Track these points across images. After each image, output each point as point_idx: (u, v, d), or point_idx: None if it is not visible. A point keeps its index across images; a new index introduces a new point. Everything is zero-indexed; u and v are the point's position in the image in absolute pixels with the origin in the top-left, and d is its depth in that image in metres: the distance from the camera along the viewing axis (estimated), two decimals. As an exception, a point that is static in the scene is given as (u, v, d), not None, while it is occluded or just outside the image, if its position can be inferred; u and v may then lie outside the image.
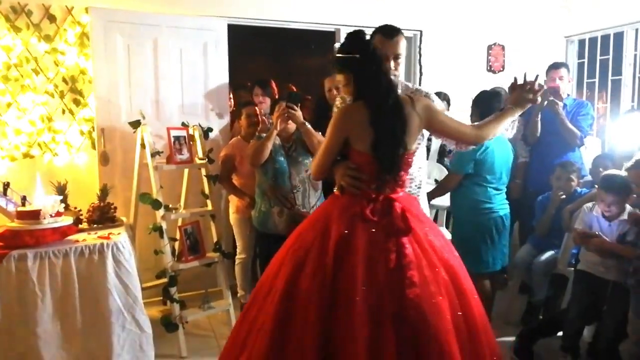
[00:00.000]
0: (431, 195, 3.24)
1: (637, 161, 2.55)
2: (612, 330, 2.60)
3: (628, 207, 2.70)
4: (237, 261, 3.47)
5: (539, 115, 3.53)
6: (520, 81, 2.11)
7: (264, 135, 2.98)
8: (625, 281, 2.49)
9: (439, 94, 4.01)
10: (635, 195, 2.68)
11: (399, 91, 2.19)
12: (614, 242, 2.60)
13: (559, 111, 3.43)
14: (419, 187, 2.48)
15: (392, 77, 2.14)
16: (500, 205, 3.04)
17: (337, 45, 1.94)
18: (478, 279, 3.08)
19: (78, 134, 3.66)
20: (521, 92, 2.08)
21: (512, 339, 2.99)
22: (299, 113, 2.81)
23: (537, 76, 2.12)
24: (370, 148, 1.85)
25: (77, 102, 3.63)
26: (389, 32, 2.24)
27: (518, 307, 3.38)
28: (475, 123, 2.17)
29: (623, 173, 2.75)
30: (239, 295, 3.49)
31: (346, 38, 1.94)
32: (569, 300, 2.84)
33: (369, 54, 1.89)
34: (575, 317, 2.71)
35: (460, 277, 1.87)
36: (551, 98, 3.42)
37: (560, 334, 2.83)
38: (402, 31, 2.32)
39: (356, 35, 1.92)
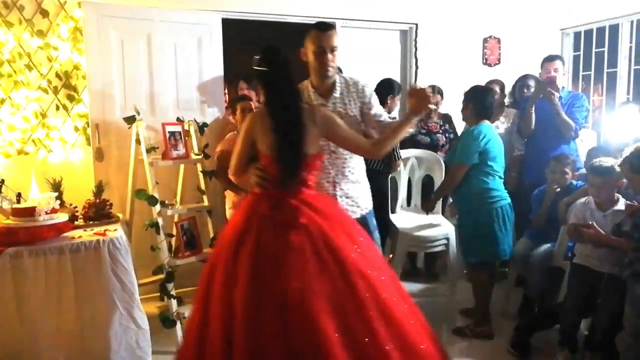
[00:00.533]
0: (440, 191, 3.21)
1: (625, 157, 2.55)
2: (607, 323, 2.61)
3: (622, 199, 2.71)
4: None
5: (533, 108, 3.53)
6: (417, 87, 2.25)
7: None
8: (620, 273, 2.50)
9: (432, 87, 4.02)
10: (624, 180, 2.70)
11: (338, 84, 2.42)
12: (608, 233, 2.61)
13: (555, 102, 3.43)
14: (358, 182, 2.53)
15: (330, 69, 2.35)
16: (505, 193, 3.11)
17: (255, 57, 2.10)
18: (480, 272, 3.12)
19: (72, 130, 3.63)
20: (417, 99, 2.19)
21: (509, 332, 3.01)
22: None
23: (434, 87, 2.29)
24: (272, 151, 2.06)
25: (71, 98, 3.60)
26: (322, 27, 2.36)
27: (515, 301, 3.39)
28: (373, 139, 2.34)
29: (612, 160, 2.77)
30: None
31: (261, 52, 2.11)
32: (565, 293, 2.85)
33: (277, 68, 2.08)
34: (572, 311, 2.73)
35: (367, 276, 1.92)
36: (548, 89, 3.42)
37: (557, 327, 2.84)
38: (335, 27, 2.53)
39: (269, 50, 2.11)
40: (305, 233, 1.94)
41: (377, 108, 2.49)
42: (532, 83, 3.97)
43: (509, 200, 3.11)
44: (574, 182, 3.24)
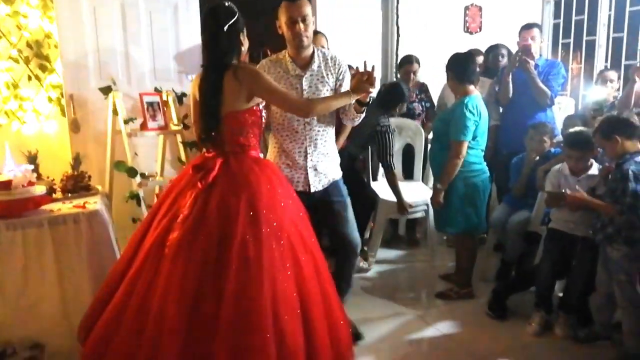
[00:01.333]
0: (447, 174, 3.05)
1: (596, 127, 2.60)
2: (580, 284, 2.71)
3: (595, 164, 2.77)
4: None
5: (510, 76, 3.54)
6: (361, 69, 2.26)
7: None
8: (594, 237, 2.58)
9: (409, 57, 4.00)
10: (599, 149, 2.76)
11: (316, 56, 2.43)
12: (609, 204, 2.65)
13: (530, 69, 3.44)
14: (327, 155, 2.54)
15: (305, 39, 2.35)
16: (486, 167, 3.15)
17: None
18: (466, 240, 3.18)
19: (46, 101, 3.54)
20: (360, 79, 2.24)
21: (486, 295, 3.10)
22: None
23: (373, 67, 2.28)
24: (196, 107, 2.15)
25: (43, 68, 3.49)
26: None
27: (492, 265, 3.48)
28: (309, 98, 2.35)
29: (585, 129, 2.82)
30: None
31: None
32: (540, 257, 2.93)
33: (209, 27, 2.09)
34: (547, 273, 2.81)
35: (259, 240, 1.92)
36: (523, 57, 3.43)
37: (532, 289, 2.94)
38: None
39: (210, 10, 2.11)
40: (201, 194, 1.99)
41: (346, 87, 2.47)
42: (504, 52, 3.99)
43: (488, 173, 3.15)
44: (552, 150, 3.29)
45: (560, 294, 2.90)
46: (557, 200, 2.71)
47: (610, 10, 4.53)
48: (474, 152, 3.05)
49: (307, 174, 2.47)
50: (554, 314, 2.81)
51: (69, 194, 2.92)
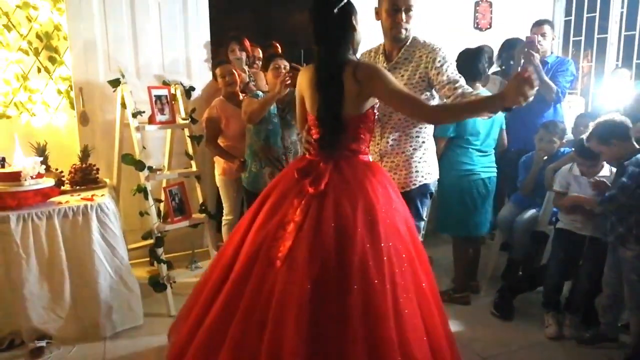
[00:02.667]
0: None
1: (591, 132, 2.56)
2: (587, 285, 2.69)
3: (606, 165, 2.74)
4: (224, 222, 3.47)
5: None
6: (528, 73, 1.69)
7: (260, 92, 2.98)
8: (603, 237, 2.56)
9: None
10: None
11: (407, 46, 2.19)
12: (592, 197, 2.65)
13: (535, 63, 3.41)
14: (414, 149, 2.34)
15: (403, 30, 2.16)
16: (484, 168, 3.03)
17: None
18: (462, 243, 3.16)
19: (55, 93, 3.55)
20: (519, 81, 1.65)
21: (493, 294, 3.09)
22: None
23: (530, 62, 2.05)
24: (313, 111, 1.92)
25: (52, 60, 3.50)
26: None
27: (499, 264, 3.47)
28: (442, 103, 2.05)
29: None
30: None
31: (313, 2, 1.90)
32: (548, 257, 2.92)
33: (322, 19, 1.85)
34: (555, 274, 2.80)
35: (379, 256, 1.71)
36: (528, 50, 3.39)
37: (540, 289, 2.92)
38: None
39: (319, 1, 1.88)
40: (317, 203, 1.78)
41: (449, 74, 2.17)
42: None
43: (486, 175, 3.03)
44: (561, 149, 3.26)
45: (567, 295, 2.89)
46: (563, 201, 2.70)
47: (622, 7, 4.48)
48: (462, 152, 2.98)
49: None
50: (560, 315, 2.80)
51: (77, 187, 2.94)
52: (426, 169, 2.38)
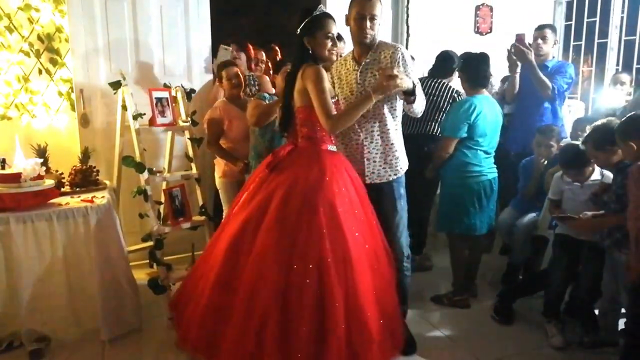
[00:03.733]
0: (434, 164, 3.15)
1: (587, 136, 2.56)
2: (586, 290, 2.69)
3: (598, 169, 2.72)
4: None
5: (518, 73, 3.52)
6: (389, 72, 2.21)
7: (267, 95, 2.99)
8: (601, 243, 2.56)
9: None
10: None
11: (372, 50, 2.44)
12: (585, 202, 2.65)
13: (529, 58, 3.42)
14: (392, 142, 2.49)
15: (368, 35, 2.38)
16: (489, 169, 3.07)
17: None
18: (459, 243, 3.15)
19: (56, 95, 3.55)
20: (382, 77, 2.21)
21: (492, 298, 3.08)
22: None
23: (397, 62, 2.33)
24: None
25: (54, 62, 3.50)
26: None
27: (499, 268, 3.47)
28: (335, 113, 2.26)
29: (575, 144, 2.77)
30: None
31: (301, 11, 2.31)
32: (549, 264, 2.90)
33: (300, 28, 2.28)
34: (557, 282, 2.75)
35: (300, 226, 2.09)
36: (518, 45, 3.40)
37: (539, 294, 2.92)
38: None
39: (303, 11, 2.29)
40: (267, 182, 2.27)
41: (411, 73, 2.38)
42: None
43: (492, 175, 3.06)
44: (560, 152, 3.26)
45: (567, 299, 2.88)
46: (564, 220, 2.69)
47: (622, 12, 4.49)
48: (471, 153, 3.00)
49: (363, 166, 2.46)
50: (560, 320, 2.79)
51: (77, 188, 2.94)
52: (402, 161, 2.54)
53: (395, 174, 2.50)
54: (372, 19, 2.36)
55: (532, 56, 3.44)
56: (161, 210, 3.31)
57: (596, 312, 2.72)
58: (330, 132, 2.29)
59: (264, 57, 3.95)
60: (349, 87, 2.48)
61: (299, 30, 2.30)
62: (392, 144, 2.48)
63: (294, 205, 2.11)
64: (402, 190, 2.54)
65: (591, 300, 2.71)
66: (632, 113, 2.43)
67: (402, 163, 2.53)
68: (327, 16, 2.31)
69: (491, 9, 4.84)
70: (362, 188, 2.33)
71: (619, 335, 2.55)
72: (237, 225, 2.22)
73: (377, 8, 2.36)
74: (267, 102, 2.99)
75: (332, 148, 2.35)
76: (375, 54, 2.43)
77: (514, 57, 3.49)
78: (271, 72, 3.78)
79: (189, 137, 3.32)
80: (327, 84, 2.24)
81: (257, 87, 3.59)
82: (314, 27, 2.26)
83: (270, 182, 2.25)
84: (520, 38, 3.45)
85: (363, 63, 2.43)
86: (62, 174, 2.99)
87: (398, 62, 2.36)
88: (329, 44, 2.29)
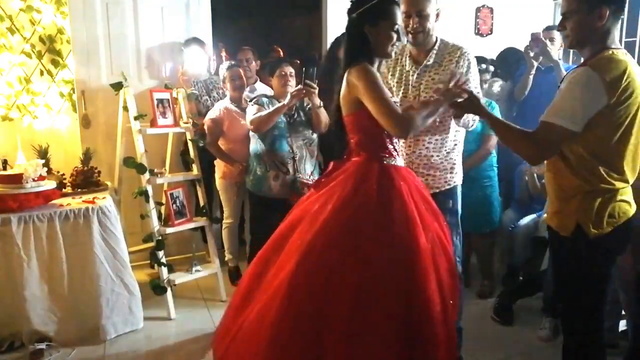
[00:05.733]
0: (474, 162, 3.13)
1: None
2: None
3: None
4: (224, 225, 3.48)
5: (532, 73, 3.49)
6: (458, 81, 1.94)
7: (264, 99, 2.98)
8: None
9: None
10: None
11: (434, 50, 2.23)
12: None
13: (554, 58, 3.41)
14: (448, 151, 2.31)
15: (419, 35, 2.17)
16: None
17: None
18: (484, 241, 3.31)
19: (58, 96, 3.56)
20: (452, 88, 1.93)
21: (492, 299, 3.09)
22: (316, 92, 2.83)
23: (467, 79, 2.08)
24: None
25: (55, 63, 3.52)
26: None
27: (499, 269, 3.47)
28: (407, 112, 1.96)
29: None
30: (226, 259, 3.51)
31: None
32: (548, 263, 2.91)
33: (360, 8, 1.89)
34: (553, 280, 2.78)
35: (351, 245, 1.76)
36: (538, 41, 3.40)
37: (539, 294, 2.92)
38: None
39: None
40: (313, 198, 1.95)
41: (472, 82, 2.18)
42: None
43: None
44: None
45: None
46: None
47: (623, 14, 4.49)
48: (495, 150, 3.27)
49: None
50: (558, 320, 2.79)
51: (79, 189, 2.95)
52: (458, 170, 2.38)
53: (448, 185, 2.33)
54: (420, 15, 2.13)
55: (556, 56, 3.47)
56: (162, 211, 3.32)
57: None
58: (401, 136, 1.91)
59: (249, 55, 3.89)
60: (403, 89, 2.27)
61: (355, 15, 1.90)
62: (451, 158, 2.31)
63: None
64: (450, 204, 2.33)
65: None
66: None
67: (457, 178, 2.37)
68: (395, 3, 1.93)
69: (491, 11, 4.85)
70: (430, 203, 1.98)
71: (619, 337, 2.56)
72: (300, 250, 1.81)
73: (422, 4, 2.11)
74: (266, 106, 2.98)
75: (392, 161, 1.95)
76: (438, 56, 2.23)
77: (533, 56, 3.45)
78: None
79: (190, 138, 3.33)
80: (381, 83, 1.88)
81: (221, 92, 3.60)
82: (379, 15, 1.87)
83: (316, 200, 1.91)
84: (536, 37, 3.43)
85: (423, 65, 2.23)
86: (63, 175, 3.00)
87: (466, 71, 2.16)
88: (394, 37, 1.91)
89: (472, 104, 1.93)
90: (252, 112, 2.97)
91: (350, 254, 1.74)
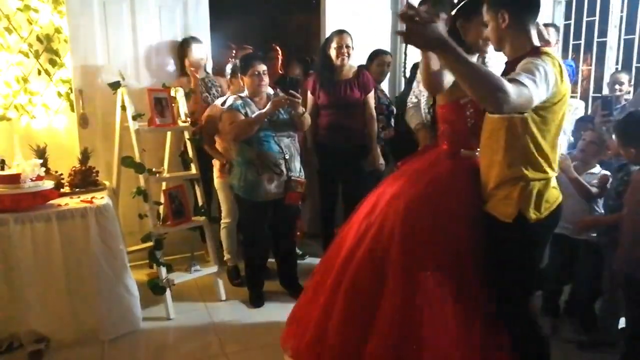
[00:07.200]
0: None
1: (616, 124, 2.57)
2: (585, 289, 2.69)
3: (598, 166, 2.73)
4: (222, 225, 3.47)
5: None
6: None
7: (239, 103, 2.94)
8: (597, 240, 2.56)
9: (382, 50, 3.88)
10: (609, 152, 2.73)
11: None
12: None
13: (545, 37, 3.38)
14: None
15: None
16: None
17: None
18: None
19: (56, 96, 3.55)
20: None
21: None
22: (299, 101, 2.83)
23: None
24: None
25: (53, 63, 3.51)
26: None
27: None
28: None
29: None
30: (225, 258, 3.51)
31: None
32: (546, 262, 2.91)
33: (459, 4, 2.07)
34: (553, 279, 2.79)
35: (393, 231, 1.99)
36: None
37: (538, 293, 2.92)
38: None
39: None
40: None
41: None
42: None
43: None
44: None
45: (566, 299, 2.88)
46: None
47: (622, 11, 4.47)
48: None
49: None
50: (560, 319, 2.79)
51: (77, 189, 2.94)
52: None
53: None
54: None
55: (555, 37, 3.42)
56: (160, 211, 3.32)
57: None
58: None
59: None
60: None
61: (455, 10, 2.02)
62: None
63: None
64: None
65: (590, 300, 2.71)
66: (628, 114, 2.44)
67: None
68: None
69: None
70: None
71: (618, 336, 2.56)
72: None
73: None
74: (241, 109, 2.91)
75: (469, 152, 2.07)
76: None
77: None
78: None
79: (188, 137, 3.32)
80: None
81: (218, 91, 3.59)
82: (472, 10, 1.95)
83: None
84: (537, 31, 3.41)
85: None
86: (61, 174, 2.99)
87: None
88: (484, 32, 1.91)
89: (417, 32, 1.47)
90: (227, 120, 2.93)
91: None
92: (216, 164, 3.39)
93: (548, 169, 1.85)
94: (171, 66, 3.71)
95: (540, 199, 1.84)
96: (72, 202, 2.69)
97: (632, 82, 3.83)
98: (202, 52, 3.61)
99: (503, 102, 1.51)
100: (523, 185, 1.83)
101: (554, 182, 1.90)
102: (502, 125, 1.80)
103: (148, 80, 3.61)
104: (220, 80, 3.71)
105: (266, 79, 2.99)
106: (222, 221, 3.46)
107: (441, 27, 1.49)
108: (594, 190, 2.60)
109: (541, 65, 1.67)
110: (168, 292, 2.99)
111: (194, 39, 3.60)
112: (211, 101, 3.51)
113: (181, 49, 3.62)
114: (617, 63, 4.56)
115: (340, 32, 3.47)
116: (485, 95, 1.53)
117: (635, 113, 2.49)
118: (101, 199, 2.76)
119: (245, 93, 3.05)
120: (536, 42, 1.83)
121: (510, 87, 1.52)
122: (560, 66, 1.75)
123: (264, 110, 2.87)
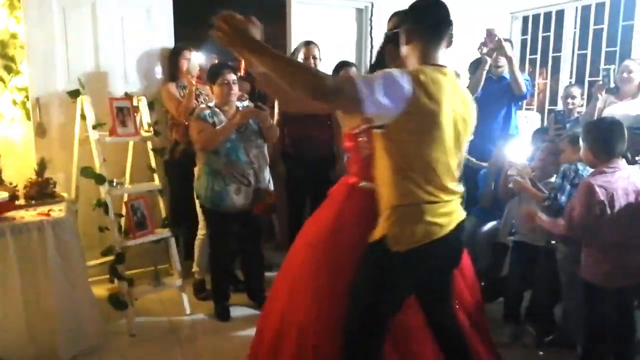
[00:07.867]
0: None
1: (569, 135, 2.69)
2: (544, 295, 2.78)
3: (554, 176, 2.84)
4: (198, 236, 3.38)
5: (485, 69, 3.51)
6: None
7: (207, 112, 2.91)
8: (551, 244, 2.66)
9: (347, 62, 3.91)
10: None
11: None
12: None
13: (509, 54, 3.44)
14: None
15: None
16: None
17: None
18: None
19: (11, 104, 3.42)
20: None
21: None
22: (267, 113, 2.83)
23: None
24: None
25: (8, 69, 3.37)
26: None
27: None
28: None
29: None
30: (193, 270, 3.43)
31: None
32: (508, 270, 2.99)
33: None
34: (515, 286, 2.87)
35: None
36: (495, 38, 3.45)
37: (500, 300, 2.99)
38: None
39: None
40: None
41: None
42: None
43: None
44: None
45: (527, 304, 2.96)
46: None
47: (575, 27, 4.70)
48: None
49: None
50: (520, 325, 2.87)
51: (33, 201, 2.84)
52: None
53: None
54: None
55: (511, 51, 3.47)
56: (122, 224, 3.23)
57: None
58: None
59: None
60: None
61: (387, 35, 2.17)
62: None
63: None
64: None
65: (550, 304, 2.80)
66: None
67: None
68: None
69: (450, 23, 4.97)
70: None
71: (577, 337, 2.65)
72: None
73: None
74: (209, 119, 2.89)
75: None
76: None
77: (487, 53, 3.48)
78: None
79: (151, 147, 3.25)
80: None
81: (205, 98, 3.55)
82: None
83: None
84: (490, 33, 3.49)
85: None
86: (16, 186, 2.87)
87: None
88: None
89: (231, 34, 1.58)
90: (195, 129, 2.90)
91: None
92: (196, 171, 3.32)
93: (423, 195, 1.65)
94: (134, 75, 3.64)
95: (403, 230, 1.65)
96: (28, 215, 2.59)
97: (584, 96, 4.00)
98: (196, 59, 3.55)
99: (316, 85, 1.52)
100: (387, 213, 1.69)
101: (437, 218, 1.68)
102: (377, 147, 1.73)
103: (110, 88, 3.52)
104: (206, 88, 3.66)
105: (235, 88, 2.97)
106: (198, 232, 3.38)
107: (255, 31, 1.61)
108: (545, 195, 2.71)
109: (393, 74, 1.60)
110: (130, 308, 2.91)
111: (183, 47, 3.56)
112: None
113: (174, 55, 3.55)
114: (570, 77, 4.77)
115: (308, 43, 3.50)
116: (300, 80, 1.56)
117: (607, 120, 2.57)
118: (59, 211, 2.67)
119: (214, 102, 3.02)
120: (434, 61, 1.82)
121: (326, 75, 1.59)
122: (438, 83, 1.69)
123: (232, 121, 2.84)
